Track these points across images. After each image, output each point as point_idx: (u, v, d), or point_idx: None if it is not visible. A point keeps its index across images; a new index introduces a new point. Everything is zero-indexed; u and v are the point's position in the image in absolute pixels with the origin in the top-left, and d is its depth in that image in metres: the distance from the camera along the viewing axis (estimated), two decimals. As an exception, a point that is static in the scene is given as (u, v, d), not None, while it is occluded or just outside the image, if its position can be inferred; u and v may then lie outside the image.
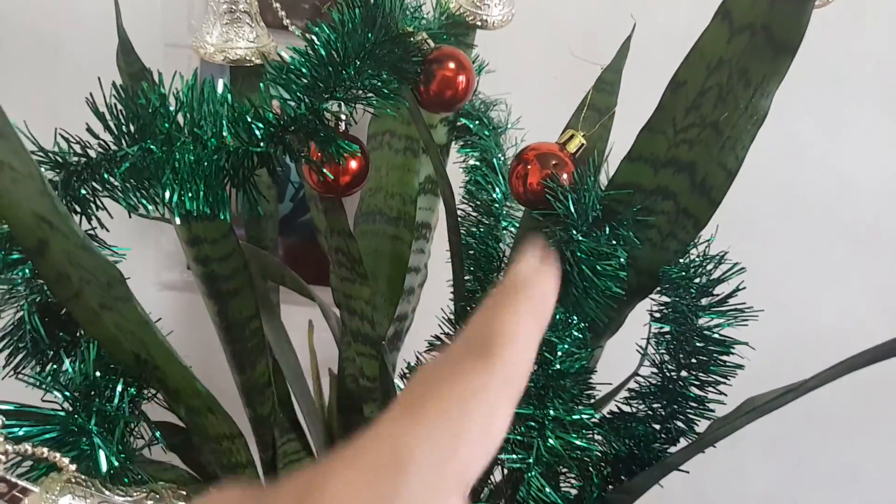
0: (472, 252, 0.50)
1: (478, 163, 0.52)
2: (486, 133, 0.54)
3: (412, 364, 0.48)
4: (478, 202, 0.52)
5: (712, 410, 0.41)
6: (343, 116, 0.38)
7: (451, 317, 0.49)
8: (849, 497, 0.83)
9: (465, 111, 0.54)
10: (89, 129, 0.30)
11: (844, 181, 0.75)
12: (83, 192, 0.32)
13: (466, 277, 0.50)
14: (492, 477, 0.49)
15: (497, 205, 0.52)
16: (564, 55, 0.51)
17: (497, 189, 0.51)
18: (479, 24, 0.51)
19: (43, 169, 0.31)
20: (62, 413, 0.33)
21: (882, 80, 0.72)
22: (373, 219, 0.52)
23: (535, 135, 0.49)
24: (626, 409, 0.43)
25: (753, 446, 0.81)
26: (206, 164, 0.32)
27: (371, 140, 0.53)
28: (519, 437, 0.40)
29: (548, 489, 0.40)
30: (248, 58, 0.51)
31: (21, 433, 0.31)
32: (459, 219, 0.52)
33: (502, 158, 0.53)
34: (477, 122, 0.54)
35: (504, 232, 0.51)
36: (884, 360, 0.32)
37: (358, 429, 0.48)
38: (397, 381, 0.48)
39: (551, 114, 0.47)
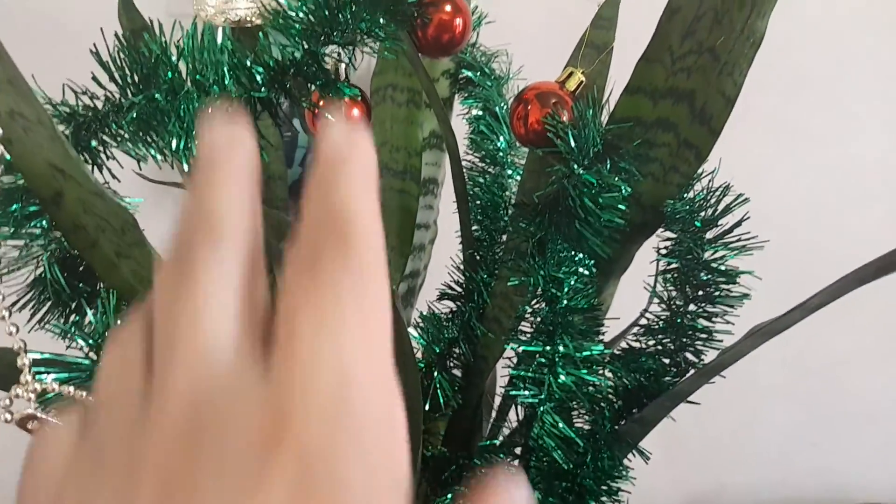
0: (478, 202, 0.51)
1: (481, 112, 0.52)
2: (489, 84, 0.54)
3: (424, 313, 0.49)
4: (483, 152, 0.52)
5: (720, 341, 0.41)
6: (343, 62, 0.39)
7: (461, 266, 0.50)
8: (868, 437, 0.83)
9: (466, 62, 0.55)
10: (95, 79, 0.31)
11: (850, 116, 0.75)
12: (93, 143, 0.33)
13: (474, 227, 0.50)
14: (507, 416, 0.50)
15: (501, 153, 0.52)
16: None
17: (501, 137, 0.52)
18: (474, -28, 0.51)
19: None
20: (87, 360, 0.34)
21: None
22: (379, 173, 0.53)
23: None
24: (636, 345, 0.44)
25: (770, 391, 0.81)
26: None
27: (374, 95, 0.53)
28: (530, 374, 0.41)
29: (561, 424, 0.41)
30: (249, 18, 0.51)
31: (51, 379, 0.33)
32: (465, 169, 0.52)
33: (505, 107, 0.53)
34: (479, 73, 0.54)
35: (509, 180, 0.52)
36: (891, 273, 0.32)
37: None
38: (411, 330, 0.49)
39: (551, 63, 0.47)
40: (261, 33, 0.36)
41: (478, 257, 0.49)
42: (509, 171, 0.51)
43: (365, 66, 0.71)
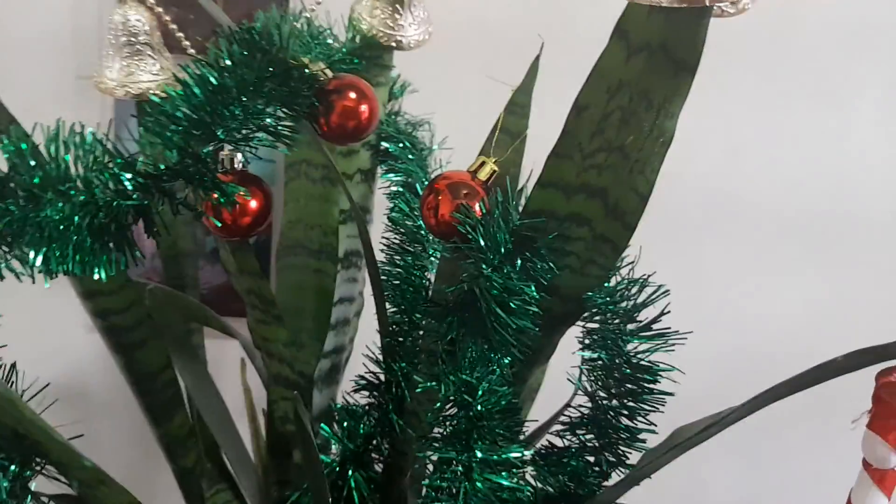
0: (397, 283, 0.48)
1: (401, 188, 0.50)
2: (410, 156, 0.52)
3: (339, 406, 0.46)
4: (402, 230, 0.50)
5: (643, 441, 0.39)
6: (238, 156, 0.36)
7: (379, 355, 0.47)
8: (813, 498, 0.82)
9: (387, 134, 0.53)
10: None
11: (782, 186, 0.75)
12: (-62, 258, 0.29)
13: (392, 309, 0.48)
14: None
15: (423, 232, 0.50)
16: (484, 74, 0.49)
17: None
18: (394, 44, 0.49)
19: None
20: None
21: (815, 70, 0.72)
22: (294, 252, 0.50)
23: (462, 153, 0.47)
24: (559, 442, 0.42)
25: (713, 457, 0.80)
26: (75, 220, 0.30)
27: (288, 170, 0.51)
28: (445, 484, 0.38)
29: (480, 535, 0.38)
30: (152, 91, 0.48)
31: None
32: (385, 247, 0.50)
33: (426, 182, 0.51)
34: (400, 144, 0.52)
35: (430, 260, 0.49)
36: (806, 389, 0.30)
37: (290, 473, 0.45)
38: (324, 426, 0.46)
39: (477, 131, 0.45)
40: (140, 129, 0.33)
41: (396, 345, 0.47)
42: (430, 251, 0.49)
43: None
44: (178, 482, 0.46)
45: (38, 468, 0.33)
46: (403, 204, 0.50)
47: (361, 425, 0.45)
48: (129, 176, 0.30)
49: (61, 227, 0.30)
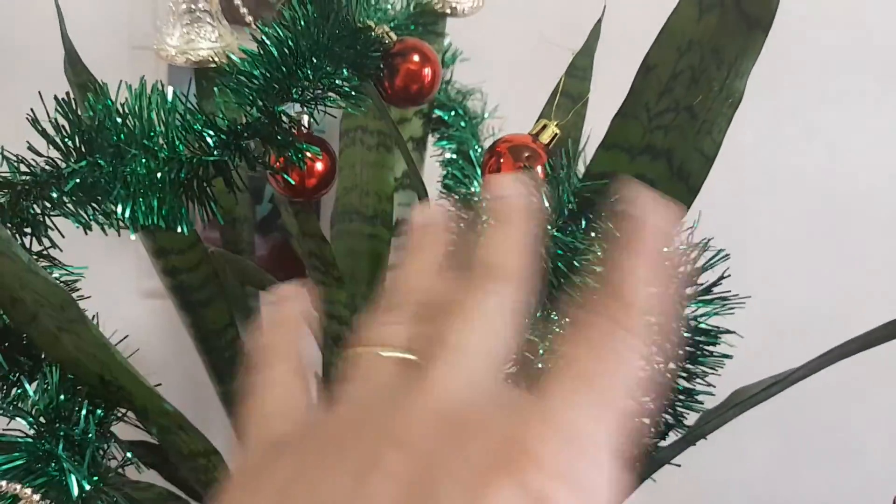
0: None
1: (454, 155, 0.51)
2: (462, 124, 0.52)
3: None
4: (456, 196, 0.50)
5: (701, 402, 0.40)
6: (305, 119, 0.37)
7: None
8: (852, 470, 0.82)
9: (440, 102, 0.53)
10: (31, 148, 0.29)
11: (832, 159, 0.74)
12: (32, 211, 0.30)
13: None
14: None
15: (476, 198, 0.50)
16: (538, 40, 0.49)
17: (475, 182, 0.50)
18: (448, 11, 0.49)
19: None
20: (28, 439, 0.32)
21: (869, 48, 0.70)
22: (349, 218, 0.51)
23: (514, 122, 0.47)
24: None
25: (749, 428, 0.80)
26: (158, 176, 0.31)
27: (344, 137, 0.51)
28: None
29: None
30: (211, 58, 0.49)
31: (-17, 464, 0.31)
32: (438, 214, 0.50)
33: (479, 150, 0.51)
34: (452, 112, 0.53)
35: (484, 226, 0.50)
36: (875, 347, 0.31)
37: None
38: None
39: (529, 100, 0.45)
40: (216, 88, 0.34)
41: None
42: (484, 218, 0.50)
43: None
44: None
45: (120, 414, 0.35)
46: (457, 171, 0.50)
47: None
48: (211, 133, 0.31)
49: (147, 182, 0.31)
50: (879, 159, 0.74)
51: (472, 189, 0.51)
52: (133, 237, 0.31)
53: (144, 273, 0.68)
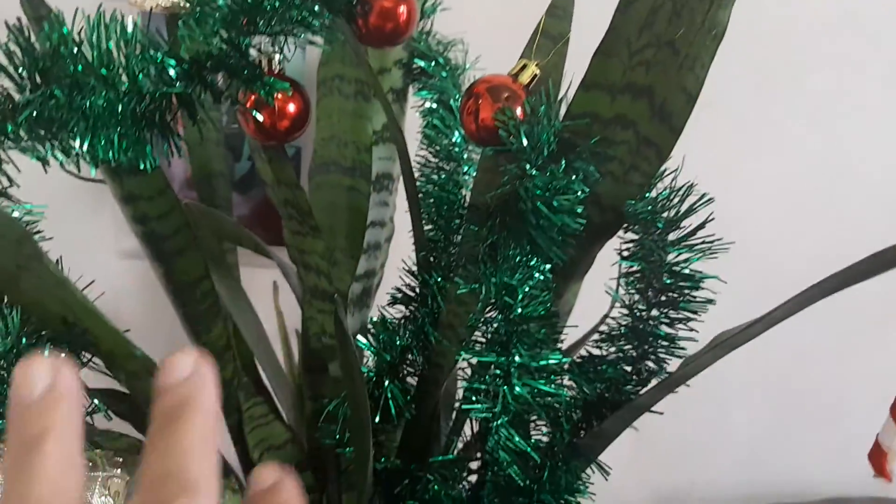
0: (432, 200, 0.48)
1: (435, 105, 0.49)
2: (443, 74, 0.51)
3: (375, 319, 0.46)
4: (437, 147, 0.49)
5: (683, 349, 0.39)
6: (275, 56, 0.36)
7: (414, 268, 0.47)
8: (834, 432, 0.82)
9: (419, 52, 0.52)
10: (-20, 74, 0.27)
11: (818, 113, 0.73)
12: (-14, 145, 0.29)
13: (428, 227, 0.48)
14: (463, 430, 0.47)
15: (457, 149, 0.49)
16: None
17: (456, 132, 0.49)
18: (427, -44, 0.48)
19: (-64, 121, 0.29)
20: (-11, 384, 0.31)
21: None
22: (327, 170, 0.49)
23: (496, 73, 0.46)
24: (597, 352, 0.42)
25: (732, 392, 0.80)
26: (118, 108, 0.29)
27: (321, 87, 0.50)
28: (483, 386, 0.38)
29: (516, 438, 0.39)
30: (181, 3, 0.48)
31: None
32: (419, 165, 0.49)
33: (460, 99, 0.50)
34: (433, 62, 0.51)
35: (465, 177, 0.49)
36: (854, 284, 0.30)
37: (325, 388, 0.46)
38: (360, 337, 0.46)
39: (510, 51, 0.44)
40: (180, 22, 0.32)
41: (432, 259, 0.47)
42: (465, 168, 0.49)
43: (315, 55, 0.68)
44: (216, 395, 0.47)
45: (86, 360, 0.34)
46: (437, 120, 0.49)
47: (397, 338, 0.45)
48: (173, 63, 0.29)
49: (106, 114, 0.29)
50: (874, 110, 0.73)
51: (454, 139, 0.50)
52: (94, 173, 0.30)
53: (123, 232, 0.67)
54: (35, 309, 0.31)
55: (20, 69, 0.29)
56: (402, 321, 0.46)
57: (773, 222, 0.75)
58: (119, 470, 0.28)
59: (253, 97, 0.35)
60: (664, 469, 0.82)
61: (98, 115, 0.29)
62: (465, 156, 0.49)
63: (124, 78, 0.30)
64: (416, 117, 0.53)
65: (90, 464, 0.28)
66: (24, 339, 0.32)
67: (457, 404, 0.46)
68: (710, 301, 0.38)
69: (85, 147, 0.29)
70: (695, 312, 0.39)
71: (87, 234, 0.66)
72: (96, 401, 0.34)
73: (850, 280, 0.29)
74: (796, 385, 0.81)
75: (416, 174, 0.47)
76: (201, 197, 0.53)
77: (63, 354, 0.32)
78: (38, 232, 0.32)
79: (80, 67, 0.29)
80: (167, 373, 0.18)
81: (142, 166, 0.30)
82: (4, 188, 0.31)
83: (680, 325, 0.39)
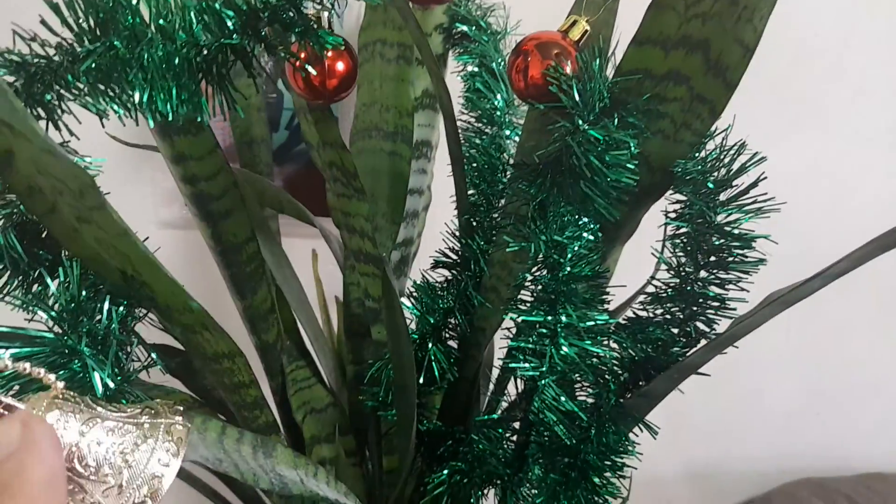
0: (474, 164, 0.48)
1: (477, 69, 0.49)
2: (485, 38, 0.51)
3: (418, 282, 0.46)
4: (479, 111, 0.49)
5: (734, 309, 0.39)
6: (325, 13, 0.36)
7: (457, 232, 0.47)
8: (871, 407, 0.81)
9: (460, 16, 0.51)
10: (44, 22, 0.28)
11: (863, 80, 0.71)
12: (48, 97, 0.29)
13: (470, 191, 0.47)
14: (507, 389, 0.47)
15: (499, 112, 0.49)
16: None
17: (498, 95, 0.49)
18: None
19: (0, 72, 0.29)
20: (51, 335, 0.32)
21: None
22: (369, 135, 0.49)
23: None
24: (643, 314, 0.41)
25: (772, 365, 0.79)
26: (176, 60, 0.30)
27: (362, 51, 0.50)
28: (531, 346, 0.38)
29: (563, 398, 0.39)
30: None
31: (8, 355, 0.30)
32: (461, 130, 0.49)
33: (502, 63, 0.50)
34: (474, 27, 0.51)
35: (507, 141, 0.49)
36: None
37: (367, 352, 0.46)
38: (404, 300, 0.46)
39: (552, 16, 0.43)
40: (233, -25, 0.32)
41: (474, 223, 0.46)
42: (507, 132, 0.48)
43: (354, 22, 0.67)
44: (260, 357, 0.48)
45: (143, 313, 0.34)
46: (480, 84, 0.49)
47: (440, 300, 0.45)
48: (230, 13, 0.29)
49: (164, 66, 0.29)
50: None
51: (496, 103, 0.49)
52: (151, 125, 0.30)
53: (162, 203, 0.67)
54: (95, 263, 0.32)
55: (80, 20, 0.29)
56: (445, 284, 0.46)
57: (827, 184, 0.74)
58: (181, 418, 0.28)
59: (304, 53, 0.35)
60: (699, 443, 0.82)
61: (156, 67, 0.29)
62: (507, 119, 0.49)
63: (181, 30, 0.30)
64: (455, 83, 0.53)
65: (152, 411, 0.28)
66: (83, 293, 0.32)
67: (499, 364, 0.46)
68: (762, 261, 0.38)
69: (144, 99, 0.29)
70: (746, 273, 0.38)
71: (127, 205, 0.67)
72: (153, 354, 0.34)
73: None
74: (832, 360, 0.80)
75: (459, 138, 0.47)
76: (243, 163, 0.54)
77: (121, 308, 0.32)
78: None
79: (138, 19, 0.29)
80: None
81: (199, 119, 0.31)
82: (66, 141, 0.32)
83: (730, 286, 0.39)
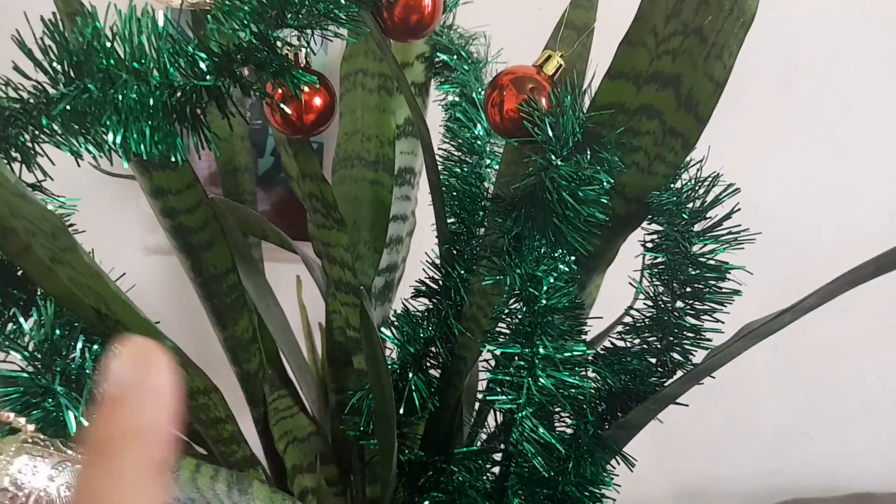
0: (455, 193, 0.48)
1: (457, 98, 0.50)
2: (465, 67, 0.51)
3: (398, 312, 0.47)
4: (459, 140, 0.49)
5: (709, 340, 0.39)
6: (302, 49, 0.36)
7: (437, 261, 0.47)
8: (860, 427, 0.81)
9: (442, 45, 0.52)
10: (16, 68, 0.28)
11: (846, 101, 0.72)
12: (21, 139, 0.30)
13: (450, 220, 0.48)
14: (486, 421, 0.47)
15: (479, 141, 0.49)
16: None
17: (478, 125, 0.49)
18: (450, -51, 0.48)
19: (-26, 115, 0.29)
20: (24, 374, 0.32)
21: None
22: (350, 164, 0.50)
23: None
24: (621, 343, 0.42)
25: (758, 385, 0.79)
26: (150, 101, 0.30)
27: (344, 81, 0.50)
28: (508, 378, 0.38)
29: (541, 430, 0.39)
30: (207, 0, 0.48)
31: (-21, 396, 0.30)
32: (441, 159, 0.49)
33: (483, 93, 0.50)
34: (455, 56, 0.51)
35: (487, 170, 0.49)
36: (886, 273, 0.30)
37: (349, 380, 0.46)
38: (384, 330, 0.46)
39: (533, 45, 0.44)
40: (209, 16, 0.33)
41: (455, 252, 0.47)
42: (487, 161, 0.49)
43: (338, 51, 0.68)
44: (242, 386, 0.48)
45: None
46: (460, 113, 0.49)
47: (421, 330, 0.45)
48: (204, 56, 0.30)
49: (138, 107, 0.30)
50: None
51: (476, 132, 0.50)
52: (126, 165, 0.30)
53: (148, 229, 0.68)
54: (69, 301, 0.32)
55: (54, 63, 0.29)
56: (426, 313, 0.46)
57: (800, 214, 0.74)
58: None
59: (281, 90, 0.36)
60: (686, 463, 0.82)
61: (130, 108, 0.30)
62: (488, 149, 0.49)
63: (156, 71, 0.30)
64: (437, 112, 0.53)
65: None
66: (57, 331, 0.33)
67: (480, 396, 0.46)
68: (737, 292, 0.38)
69: (118, 140, 0.29)
70: (721, 303, 0.38)
71: (113, 231, 0.67)
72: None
73: (880, 269, 0.29)
74: (821, 380, 0.81)
75: (439, 167, 0.48)
76: (226, 191, 0.54)
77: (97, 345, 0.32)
78: (72, 225, 0.33)
79: (112, 61, 0.30)
80: (119, 359, 0.16)
81: (173, 158, 0.31)
82: (39, 182, 0.32)
83: (706, 317, 0.39)
